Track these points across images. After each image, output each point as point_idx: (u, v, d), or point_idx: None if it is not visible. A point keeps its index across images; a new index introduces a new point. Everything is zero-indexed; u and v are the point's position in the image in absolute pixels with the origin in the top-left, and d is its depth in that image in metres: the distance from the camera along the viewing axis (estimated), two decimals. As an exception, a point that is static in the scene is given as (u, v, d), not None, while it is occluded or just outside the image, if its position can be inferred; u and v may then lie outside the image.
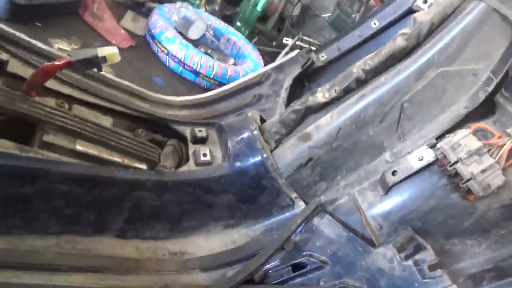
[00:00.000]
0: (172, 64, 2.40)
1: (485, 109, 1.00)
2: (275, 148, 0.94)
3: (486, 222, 0.81)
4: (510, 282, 0.69)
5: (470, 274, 0.75)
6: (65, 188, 0.73)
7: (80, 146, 0.78)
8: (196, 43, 2.64)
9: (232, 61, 2.83)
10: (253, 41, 3.10)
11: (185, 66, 2.38)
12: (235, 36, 2.91)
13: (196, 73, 2.39)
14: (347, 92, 0.90)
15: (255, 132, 0.92)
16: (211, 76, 2.40)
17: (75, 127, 0.79)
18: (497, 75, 0.81)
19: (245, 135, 0.93)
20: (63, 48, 2.12)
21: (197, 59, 2.36)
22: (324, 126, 0.89)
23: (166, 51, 2.39)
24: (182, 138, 1.00)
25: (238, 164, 0.89)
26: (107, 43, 2.31)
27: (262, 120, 1.06)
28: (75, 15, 2.29)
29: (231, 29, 2.92)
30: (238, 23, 3.17)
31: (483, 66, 0.82)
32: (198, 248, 0.91)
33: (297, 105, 0.93)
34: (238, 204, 0.91)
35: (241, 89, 1.28)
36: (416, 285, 0.73)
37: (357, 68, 0.89)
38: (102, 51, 0.76)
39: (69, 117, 0.79)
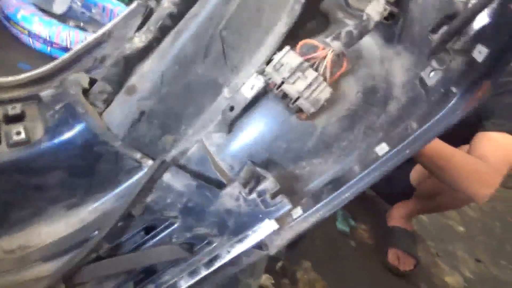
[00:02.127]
0: (38, 45, 2.14)
1: (322, 24, 0.97)
2: (105, 109, 0.84)
3: (327, 137, 0.79)
4: (345, 190, 0.69)
5: (313, 192, 0.74)
6: None
7: None
8: (64, 17, 2.37)
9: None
10: (132, 6, 2.86)
11: (53, 45, 2.13)
12: (110, 4, 2.65)
13: (67, 50, 2.15)
14: (163, 31, 0.81)
15: (76, 96, 0.81)
16: (87, 51, 2.17)
17: None
18: (308, -16, 0.76)
19: (65, 101, 0.81)
20: None
21: (65, 34, 2.11)
22: (147, 73, 0.80)
23: (27, 32, 2.11)
24: None
25: (60, 135, 0.78)
26: (-51, 35, 1.98)
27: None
28: None
29: (105, -4, 2.65)
30: (115, -11, 2.89)
31: (292, -24, 0.77)
32: (43, 237, 0.81)
33: (115, 55, 0.82)
34: (74, 180, 0.81)
35: (82, 54, 1.13)
36: (260, 216, 0.71)
37: (167, 2, 0.80)
38: None
39: None
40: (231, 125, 0.82)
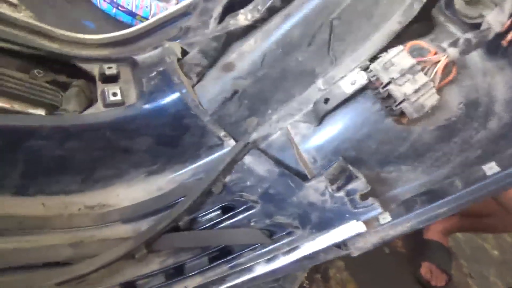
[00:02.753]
0: (104, 5, 2.15)
1: (423, 27, 0.93)
2: (198, 82, 0.83)
3: (420, 146, 0.76)
4: (441, 204, 0.66)
5: (403, 200, 0.72)
6: None
7: None
8: (131, -20, 2.37)
9: (174, 0, 2.59)
10: (196, -22, 2.84)
11: (119, 7, 2.14)
12: (176, -27, 2.64)
13: (132, 14, 2.16)
14: (271, 12, 0.79)
15: (172, 65, 0.81)
16: (149, 17, 2.18)
17: None
18: (432, -17, 0.72)
19: (161, 68, 0.81)
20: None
21: (131, -2, 2.12)
22: (247, 53, 0.79)
23: (96, -10, 2.14)
24: (92, 79, 0.87)
25: (154, 102, 0.78)
26: (24, -17, 2.02)
27: (187, 54, 0.93)
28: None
29: (170, -37, 2.63)
30: (179, -43, 2.87)
31: (417, -27, 0.73)
32: (120, 198, 0.82)
33: (217, 30, 0.81)
34: (159, 148, 0.81)
35: (165, 22, 1.13)
36: (347, 215, 0.69)
37: (281, -17, 0.78)
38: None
39: None
40: (322, 118, 0.80)
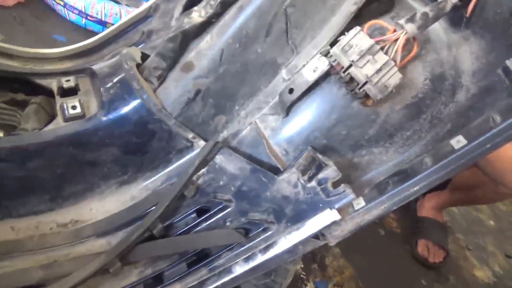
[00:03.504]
0: (73, 17, 2.12)
1: (384, 5, 0.91)
2: (159, 86, 0.81)
3: (390, 126, 0.75)
4: (413, 183, 0.65)
5: (376, 184, 0.70)
6: None
7: None
8: (98, -11, 2.33)
9: (145, 4, 2.56)
10: (165, -21, 2.80)
11: (88, 17, 2.11)
12: (143, -24, 2.60)
13: (102, 23, 2.13)
14: (224, 6, 0.77)
15: (131, 71, 0.79)
16: (120, 25, 2.15)
17: None
18: (382, -41, 0.71)
19: (119, 76, 0.79)
20: None
21: (99, 6, 2.09)
22: (205, 50, 0.77)
23: (62, 3, 2.10)
24: (52, 94, 0.84)
25: (115, 111, 0.76)
26: (-13, 3, 1.98)
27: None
28: None
29: (137, -32, 2.60)
30: (146, -39, 2.84)
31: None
32: (94, 212, 0.81)
33: (172, 31, 0.79)
34: (127, 157, 0.79)
35: (127, 27, 1.12)
36: (320, 205, 0.68)
37: (230, -25, 0.76)
38: None
39: None
40: (288, 108, 0.79)
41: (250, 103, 0.83)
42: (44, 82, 0.83)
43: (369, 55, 0.69)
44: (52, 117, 0.81)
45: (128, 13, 2.15)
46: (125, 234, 0.77)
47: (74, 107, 0.76)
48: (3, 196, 0.70)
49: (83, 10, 2.09)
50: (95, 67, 0.84)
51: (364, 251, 1.79)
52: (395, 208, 0.65)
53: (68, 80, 0.81)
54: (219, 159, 0.79)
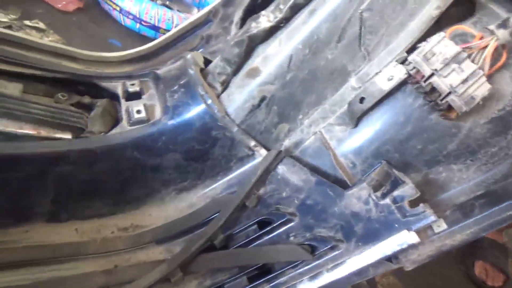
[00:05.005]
0: (128, 22, 2.19)
1: (463, 10, 0.84)
2: (223, 91, 0.80)
3: (473, 141, 0.69)
4: (506, 207, 0.58)
5: (458, 204, 0.64)
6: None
7: (-25, 123, 0.64)
8: (152, -5, 2.39)
9: (195, 10, 2.59)
10: (215, -14, 2.84)
11: (142, 22, 2.16)
12: (195, -17, 2.64)
13: (155, 28, 2.18)
14: (294, 10, 0.74)
15: (195, 76, 0.77)
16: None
17: (-34, 100, 0.64)
18: (472, -40, 0.65)
19: (184, 81, 0.78)
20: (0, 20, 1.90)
21: (153, 12, 2.14)
22: (273, 56, 0.74)
23: (118, 8, 2.16)
24: (116, 97, 0.85)
25: (179, 116, 0.75)
26: (51, 8, 2.09)
27: (210, 63, 0.90)
28: (11, -18, 2.04)
29: (190, -25, 2.65)
30: (199, -32, 2.89)
31: (453, -48, 0.65)
32: (153, 218, 0.80)
33: (238, 35, 0.77)
34: (188, 163, 0.78)
35: (186, 32, 1.11)
36: (396, 225, 0.62)
37: (303, -22, 0.73)
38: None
39: (-45, 89, 0.64)
40: (359, 119, 0.74)
41: (314, 112, 0.80)
42: (109, 85, 0.84)
43: (454, 64, 0.64)
44: (116, 120, 0.81)
45: (180, 19, 2.18)
46: (183, 242, 0.76)
47: (139, 111, 0.76)
48: (70, 198, 0.71)
49: (138, 16, 2.14)
50: (159, 71, 0.83)
51: (415, 270, 1.69)
52: (484, 234, 0.59)
53: (133, 84, 0.81)
54: (281, 169, 0.76)
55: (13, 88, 0.74)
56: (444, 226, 0.61)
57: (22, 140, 0.68)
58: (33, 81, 0.79)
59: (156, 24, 2.15)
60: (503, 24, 0.64)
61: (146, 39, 2.24)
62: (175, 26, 2.17)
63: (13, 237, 0.66)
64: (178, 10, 2.42)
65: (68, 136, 0.72)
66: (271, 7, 0.76)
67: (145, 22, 2.15)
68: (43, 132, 0.70)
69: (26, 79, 0.79)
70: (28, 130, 0.69)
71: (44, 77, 0.81)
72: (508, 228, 1.95)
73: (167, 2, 2.47)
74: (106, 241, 0.73)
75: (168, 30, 2.18)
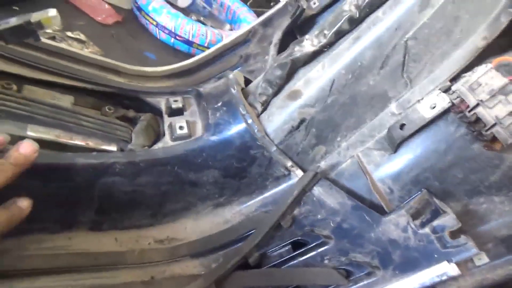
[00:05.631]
0: (163, 36, 2.26)
1: (507, 40, 0.84)
2: (262, 111, 0.81)
3: (516, 174, 0.67)
4: (552, 244, 0.57)
5: (501, 238, 0.63)
6: (19, 182, 0.62)
7: (32, 132, 0.68)
8: (187, 11, 2.47)
9: (228, 26, 2.66)
10: (248, 3, 2.90)
11: (177, 37, 2.24)
12: (228, 0, 2.72)
13: (189, 43, 2.25)
14: (339, 35, 0.75)
15: (237, 96, 0.80)
16: (205, 45, 2.25)
17: (24, 110, 0.68)
18: (522, -8, 0.65)
19: (226, 99, 0.80)
20: (44, 31, 2.01)
21: (188, 27, 2.21)
22: (315, 79, 0.76)
23: (155, 23, 2.25)
24: (159, 112, 0.88)
25: (220, 134, 0.77)
26: (92, 21, 2.18)
27: (250, 82, 0.92)
28: (54, -6, 2.15)
29: (224, -8, 2.73)
30: (232, -14, 2.98)
31: (503, -17, 0.66)
32: (188, 232, 0.81)
33: (282, 58, 0.79)
34: (226, 180, 0.80)
35: (226, 50, 1.15)
36: (436, 256, 0.62)
37: (348, 5, 0.74)
38: (36, 16, 0.64)
39: (16, 99, 0.69)
40: (398, 145, 0.74)
41: (352, 136, 0.80)
42: (153, 100, 0.87)
43: (501, 95, 0.63)
44: (158, 134, 0.84)
45: (213, 34, 2.24)
46: (218, 257, 0.77)
47: (181, 127, 0.78)
48: (113, 209, 0.73)
49: (173, 30, 2.22)
50: (201, 88, 0.86)
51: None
52: (529, 270, 0.57)
53: (176, 101, 0.84)
54: (317, 190, 0.77)
55: (66, 100, 0.79)
56: (486, 259, 0.60)
57: (72, 151, 0.71)
58: (83, 94, 0.84)
59: (190, 39, 2.22)
60: (553, 57, 0.64)
61: (180, 53, 2.31)
62: (208, 41, 2.23)
63: (58, 243, 0.69)
64: (211, 26, 2.49)
65: (113, 148, 0.75)
66: (315, 31, 0.78)
67: (180, 36, 2.22)
68: (91, 143, 0.73)
69: (77, 91, 0.83)
70: (78, 141, 0.72)
71: (93, 90, 0.85)
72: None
73: (201, 18, 2.54)
74: (143, 252, 0.74)
75: (202, 45, 2.24)
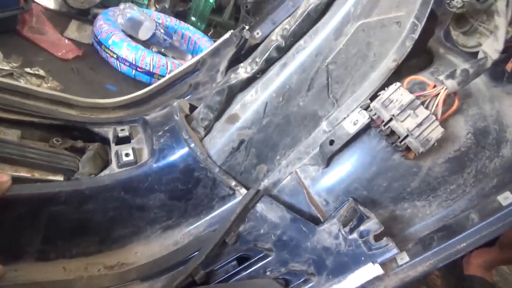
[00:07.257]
0: (124, 68, 2.31)
1: (423, 60, 0.94)
2: (205, 135, 0.86)
3: (433, 179, 0.75)
4: (460, 239, 0.63)
5: (420, 238, 0.69)
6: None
7: (-25, 167, 0.70)
8: (147, 43, 2.54)
9: (189, 56, 2.74)
10: (209, 34, 3.01)
11: (138, 69, 2.29)
12: (189, 31, 2.82)
13: (150, 74, 2.30)
14: (269, 62, 0.83)
15: (180, 122, 0.85)
16: (166, 75, 2.30)
17: (-34, 146, 0.70)
18: (421, 20, 0.74)
19: (169, 126, 0.85)
20: (2, 68, 2.01)
21: (149, 59, 2.27)
22: (250, 103, 0.82)
23: (115, 56, 2.29)
24: (107, 142, 0.92)
25: (164, 159, 0.81)
26: (51, 56, 2.20)
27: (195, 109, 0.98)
28: (13, 33, 2.17)
29: (184, 24, 2.83)
30: (193, 18, 3.10)
31: (404, 13, 0.75)
32: (138, 256, 0.84)
33: (220, 85, 0.85)
34: (172, 202, 0.83)
35: (176, 80, 1.21)
36: (362, 258, 0.67)
37: (276, 35, 0.82)
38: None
39: (-42, 136, 0.71)
40: (329, 159, 0.80)
41: (291, 153, 0.86)
42: (101, 130, 0.91)
43: (409, 110, 0.71)
44: (106, 162, 0.87)
45: (174, 65, 2.31)
46: (167, 279, 0.79)
47: (127, 155, 0.82)
48: (59, 237, 0.75)
49: (134, 62, 2.27)
50: (147, 117, 0.90)
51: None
52: (441, 265, 0.63)
53: (123, 130, 0.88)
54: (260, 207, 0.81)
55: (12, 135, 0.81)
56: (406, 258, 0.66)
57: (18, 182, 0.73)
58: (31, 127, 0.86)
59: (151, 70, 2.28)
60: (451, 75, 0.73)
61: (141, 84, 2.35)
62: (169, 72, 2.29)
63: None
64: (172, 57, 2.56)
65: (60, 178, 0.78)
66: (249, 60, 0.85)
67: (141, 68, 2.27)
68: (37, 174, 0.76)
69: (24, 125, 0.86)
70: (23, 172, 0.74)
71: (41, 124, 0.88)
72: (498, 265, 1.96)
73: (162, 50, 2.62)
74: (92, 279, 0.76)
75: (163, 75, 2.30)
